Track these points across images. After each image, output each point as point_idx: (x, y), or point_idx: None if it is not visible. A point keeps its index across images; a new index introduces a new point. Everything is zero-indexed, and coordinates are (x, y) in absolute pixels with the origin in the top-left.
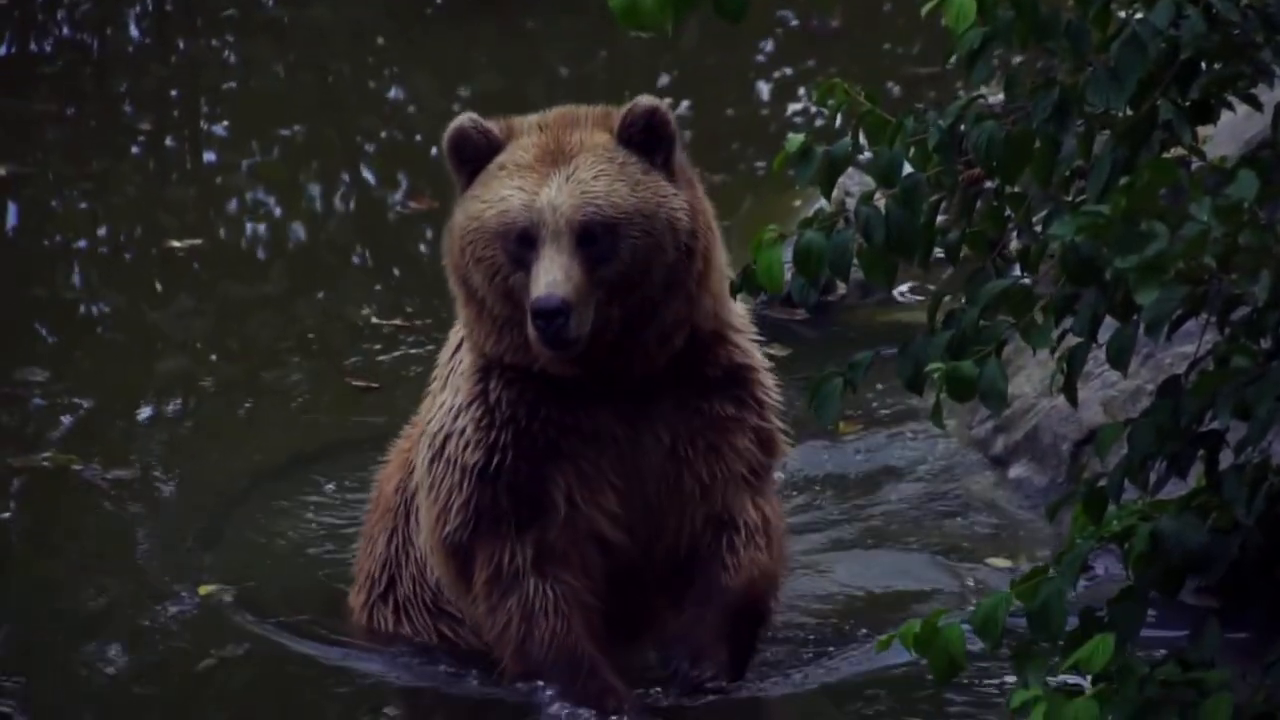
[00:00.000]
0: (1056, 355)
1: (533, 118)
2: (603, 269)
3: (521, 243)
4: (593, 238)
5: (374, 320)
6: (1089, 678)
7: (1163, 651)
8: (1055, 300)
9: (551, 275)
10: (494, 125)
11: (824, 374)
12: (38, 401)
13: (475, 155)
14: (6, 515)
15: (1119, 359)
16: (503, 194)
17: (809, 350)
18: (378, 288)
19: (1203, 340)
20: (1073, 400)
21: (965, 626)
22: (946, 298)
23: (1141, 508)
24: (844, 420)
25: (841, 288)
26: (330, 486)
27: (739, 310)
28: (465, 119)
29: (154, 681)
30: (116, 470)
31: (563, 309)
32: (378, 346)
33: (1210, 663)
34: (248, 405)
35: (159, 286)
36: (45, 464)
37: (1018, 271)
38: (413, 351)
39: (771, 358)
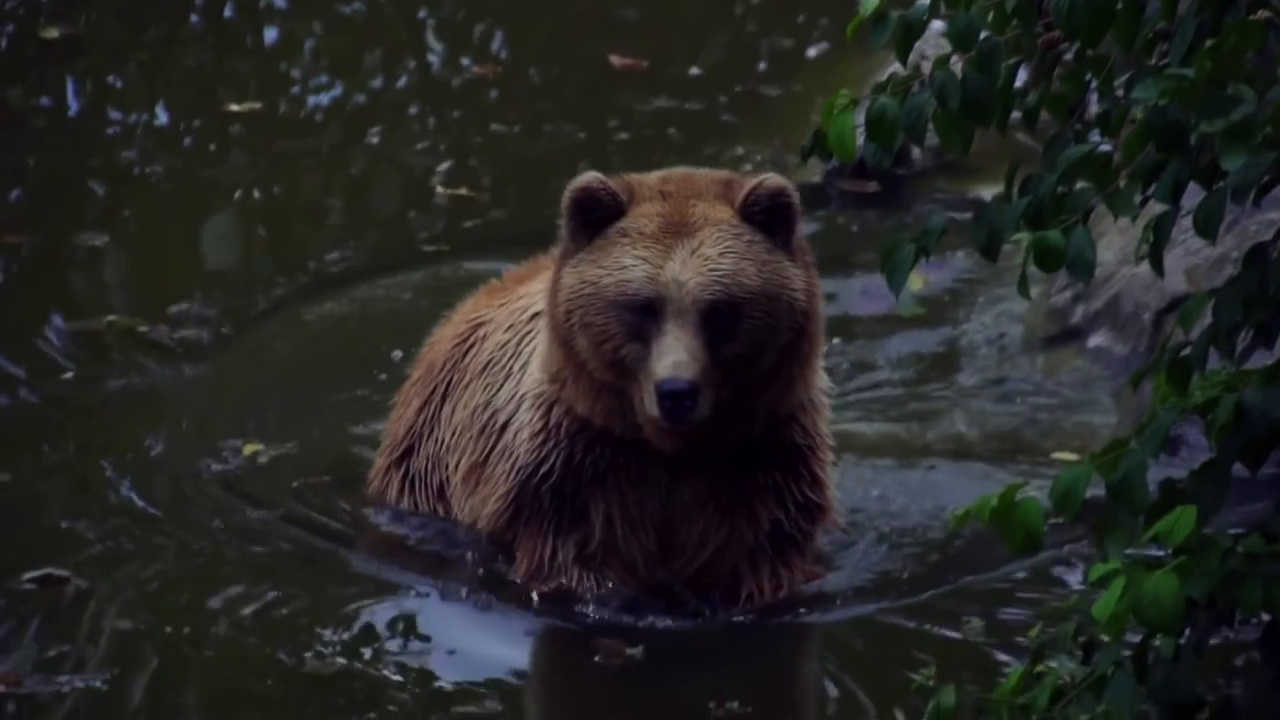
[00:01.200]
0: (1140, 222)
1: (653, 181)
2: (723, 349)
3: (642, 315)
4: (718, 316)
5: (439, 188)
6: (1169, 551)
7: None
8: (1139, 166)
9: (678, 355)
10: (617, 186)
11: (895, 239)
12: (95, 265)
13: (600, 218)
14: (69, 375)
15: (1207, 227)
16: (625, 263)
17: (879, 220)
18: (442, 148)
19: None
20: (1158, 269)
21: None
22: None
23: (1226, 378)
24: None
25: (915, 153)
26: (397, 352)
27: (822, 383)
28: (593, 178)
29: (186, 536)
30: (182, 330)
31: (692, 391)
32: (442, 208)
33: None
34: (309, 265)
35: (213, 148)
36: (106, 327)
37: (1097, 137)
38: (473, 222)
39: (841, 226)
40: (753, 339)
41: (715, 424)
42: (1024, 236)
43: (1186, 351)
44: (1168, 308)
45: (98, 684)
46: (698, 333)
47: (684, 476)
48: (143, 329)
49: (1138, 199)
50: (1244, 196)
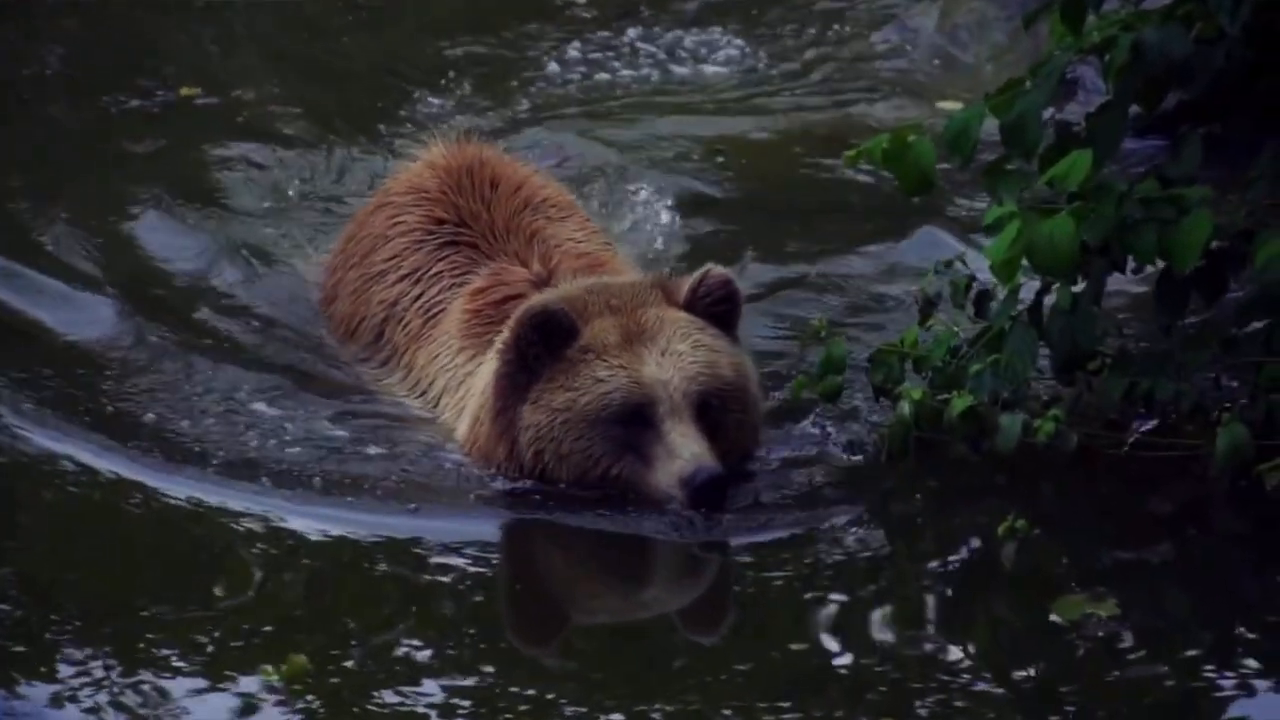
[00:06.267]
0: None
1: (593, 295)
2: (715, 446)
3: (630, 425)
4: (706, 410)
5: None
6: (1065, 195)
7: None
8: None
9: (693, 447)
10: (567, 306)
11: None
12: None
13: (561, 341)
14: None
15: None
16: (600, 376)
17: None
18: None
19: None
20: None
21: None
22: None
23: (1124, 17)
24: None
25: None
26: None
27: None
28: (549, 300)
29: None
30: None
31: (724, 477)
32: None
33: (1190, 179)
34: None
35: None
36: None
37: None
38: None
39: None
40: (734, 433)
41: None
42: None
43: None
44: None
45: None
46: (697, 425)
47: None
48: None
49: None
50: None
